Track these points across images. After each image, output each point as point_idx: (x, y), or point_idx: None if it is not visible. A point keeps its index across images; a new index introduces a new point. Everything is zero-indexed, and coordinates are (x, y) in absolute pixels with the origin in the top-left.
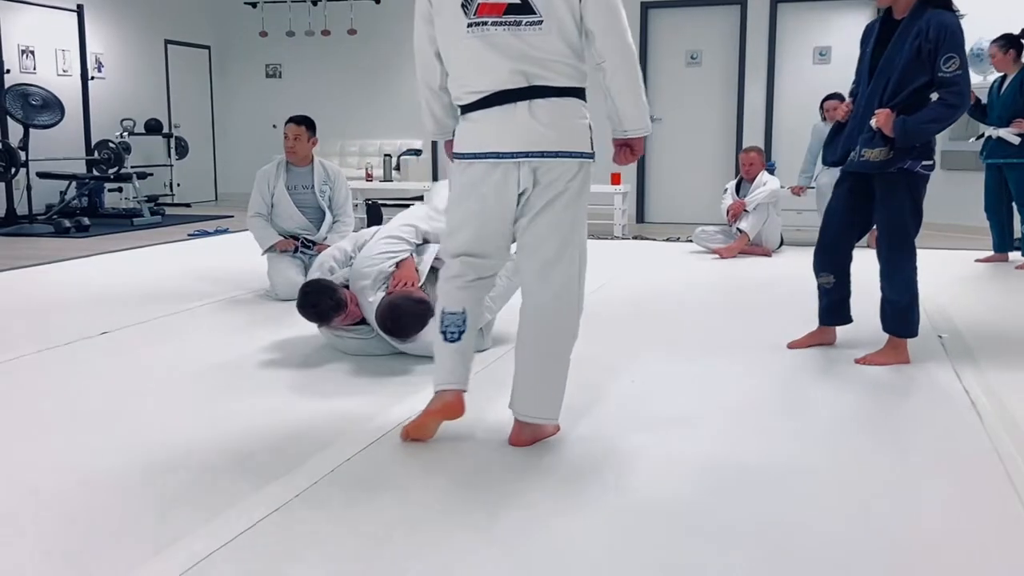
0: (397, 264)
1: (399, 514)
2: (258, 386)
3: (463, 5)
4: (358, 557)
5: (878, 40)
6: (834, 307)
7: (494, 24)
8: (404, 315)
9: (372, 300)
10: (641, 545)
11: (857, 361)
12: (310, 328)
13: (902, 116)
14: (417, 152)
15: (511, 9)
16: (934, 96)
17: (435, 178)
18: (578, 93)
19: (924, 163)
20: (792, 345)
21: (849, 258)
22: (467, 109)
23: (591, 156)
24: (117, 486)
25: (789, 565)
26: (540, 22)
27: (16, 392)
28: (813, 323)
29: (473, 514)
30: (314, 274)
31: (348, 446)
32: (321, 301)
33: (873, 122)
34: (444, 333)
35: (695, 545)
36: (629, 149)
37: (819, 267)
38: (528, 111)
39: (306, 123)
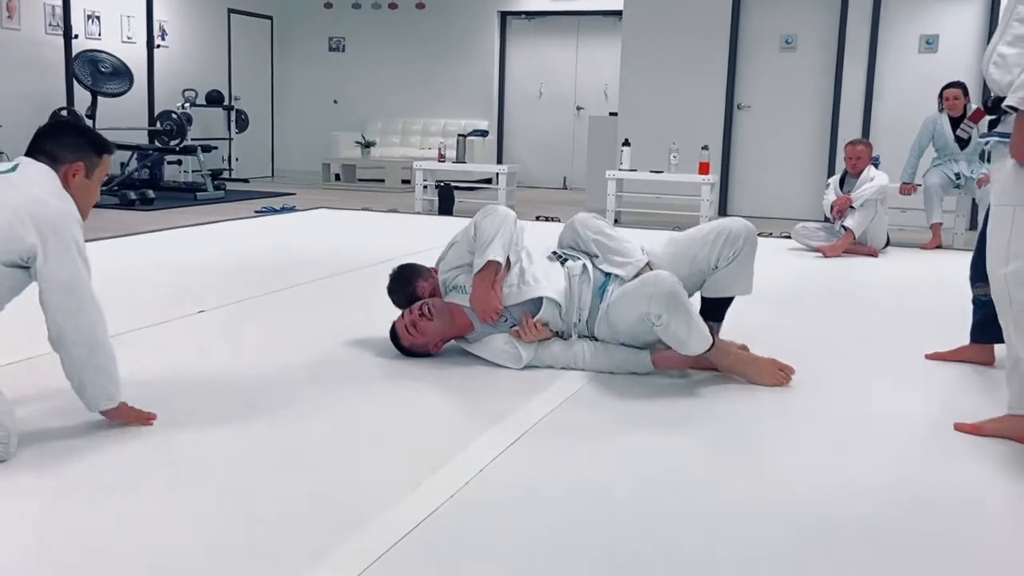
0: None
1: None
2: (383, 376)
3: None
4: None
5: None
6: (990, 322)
7: None
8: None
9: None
10: None
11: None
12: None
13: None
14: (483, 133)
15: None
16: None
17: (499, 160)
18: None
19: None
20: (932, 356)
21: None
22: None
23: None
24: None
25: None
26: None
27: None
28: (938, 331)
29: None
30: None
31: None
32: (396, 290)
33: None
34: None
35: None
36: None
37: (975, 277)
38: None
39: None
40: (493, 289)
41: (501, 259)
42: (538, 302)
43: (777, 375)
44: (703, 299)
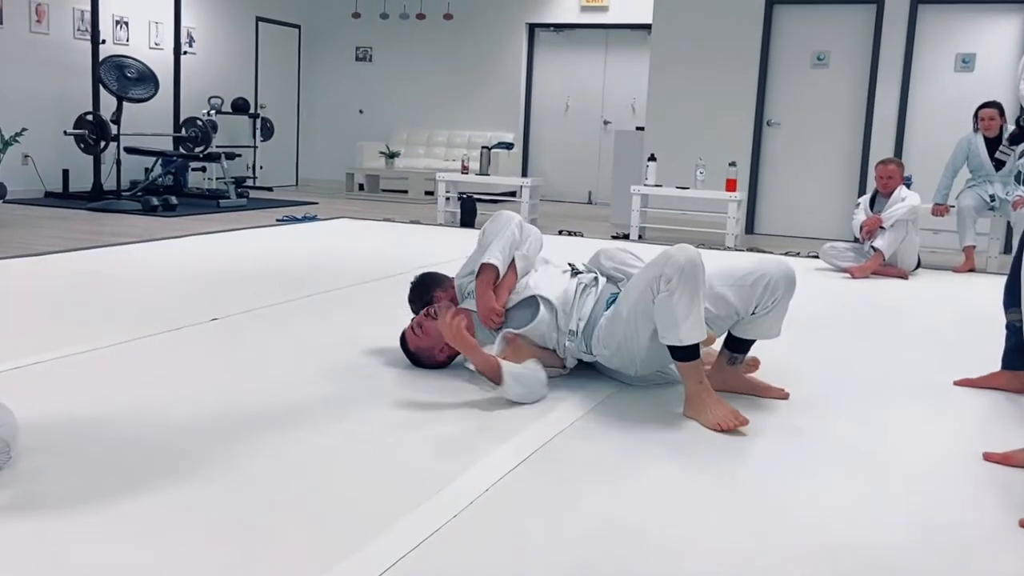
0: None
1: None
2: (391, 388)
3: None
4: None
5: None
6: (1023, 349)
7: None
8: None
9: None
10: None
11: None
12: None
13: None
14: (508, 146)
15: None
16: None
17: (524, 173)
18: None
19: None
20: (961, 383)
21: None
22: None
23: None
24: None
25: None
26: None
27: (130, 377)
28: (969, 357)
29: None
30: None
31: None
32: (415, 298)
33: None
34: None
35: None
36: None
37: (1009, 302)
38: None
39: None
40: (493, 292)
41: (497, 262)
42: (534, 304)
43: (723, 421)
44: (729, 334)
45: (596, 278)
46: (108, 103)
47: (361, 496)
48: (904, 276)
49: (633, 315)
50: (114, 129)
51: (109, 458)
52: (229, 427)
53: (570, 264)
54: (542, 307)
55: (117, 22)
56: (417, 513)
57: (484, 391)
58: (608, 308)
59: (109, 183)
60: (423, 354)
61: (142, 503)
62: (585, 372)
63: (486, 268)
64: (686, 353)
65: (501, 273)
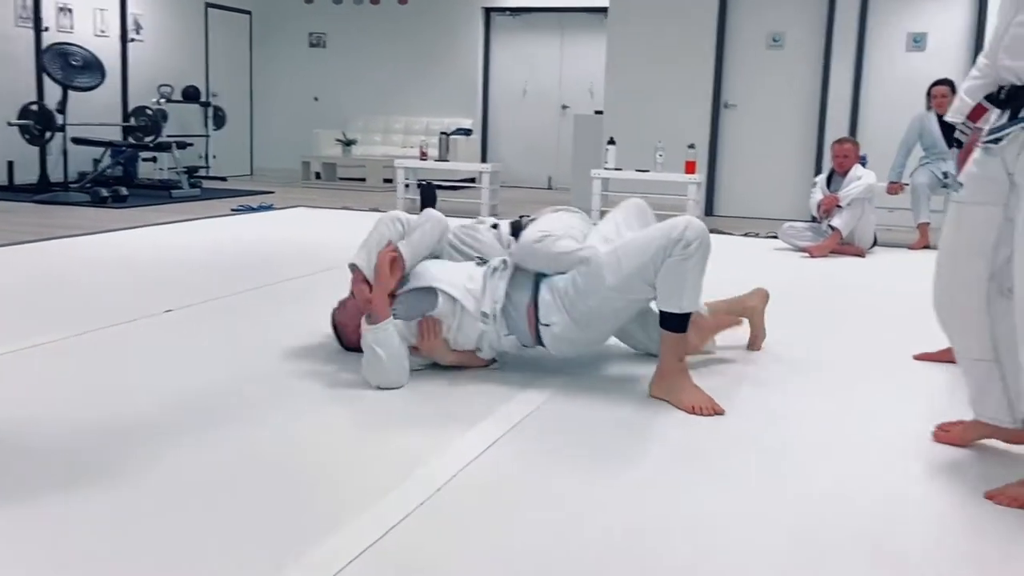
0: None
1: None
2: (351, 376)
3: None
4: None
5: None
6: None
7: None
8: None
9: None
10: None
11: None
12: None
13: None
14: (467, 132)
15: None
16: None
17: (484, 159)
18: None
19: None
20: (920, 357)
21: None
22: None
23: None
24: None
25: None
26: None
27: (77, 370)
28: (926, 332)
29: None
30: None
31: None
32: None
33: None
34: None
35: None
36: None
37: None
38: None
39: None
40: (365, 284)
41: (360, 261)
42: (432, 293)
43: (699, 404)
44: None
45: (505, 261)
46: (53, 92)
47: (328, 484)
48: (861, 254)
49: (628, 280)
50: (60, 119)
51: (60, 454)
52: (189, 418)
53: (479, 258)
54: (440, 297)
55: (61, 9)
56: (387, 499)
57: (448, 380)
58: (540, 285)
59: (56, 175)
60: (344, 331)
61: (100, 496)
62: (538, 360)
63: (353, 268)
64: (678, 323)
65: (364, 270)
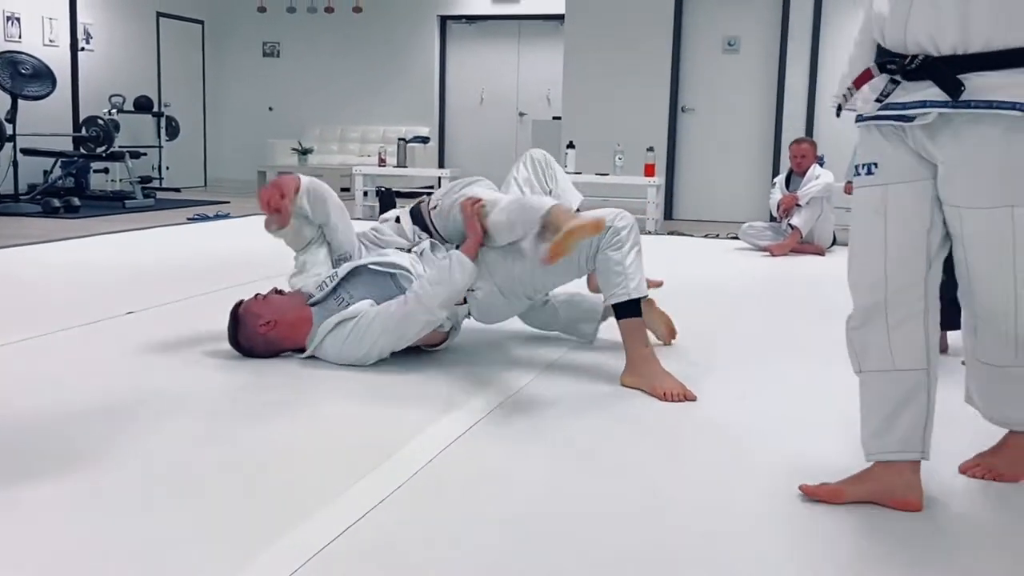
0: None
1: None
2: (325, 370)
3: None
4: None
5: None
6: (942, 309)
7: None
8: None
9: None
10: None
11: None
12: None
13: None
14: (425, 139)
15: None
16: None
17: (441, 165)
18: None
19: None
20: None
21: None
22: None
23: None
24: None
25: None
26: None
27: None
28: None
29: None
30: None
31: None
32: None
33: None
34: None
35: None
36: None
37: None
38: None
39: None
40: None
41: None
42: (392, 277)
43: (671, 390)
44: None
45: (433, 243)
46: (2, 102)
47: (304, 469)
48: (821, 253)
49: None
50: (9, 129)
51: (24, 451)
52: (158, 412)
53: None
54: (397, 273)
55: (8, 18)
56: (363, 483)
57: (424, 369)
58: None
59: (5, 186)
60: (254, 322)
61: (68, 485)
62: (513, 348)
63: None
64: (632, 309)
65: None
